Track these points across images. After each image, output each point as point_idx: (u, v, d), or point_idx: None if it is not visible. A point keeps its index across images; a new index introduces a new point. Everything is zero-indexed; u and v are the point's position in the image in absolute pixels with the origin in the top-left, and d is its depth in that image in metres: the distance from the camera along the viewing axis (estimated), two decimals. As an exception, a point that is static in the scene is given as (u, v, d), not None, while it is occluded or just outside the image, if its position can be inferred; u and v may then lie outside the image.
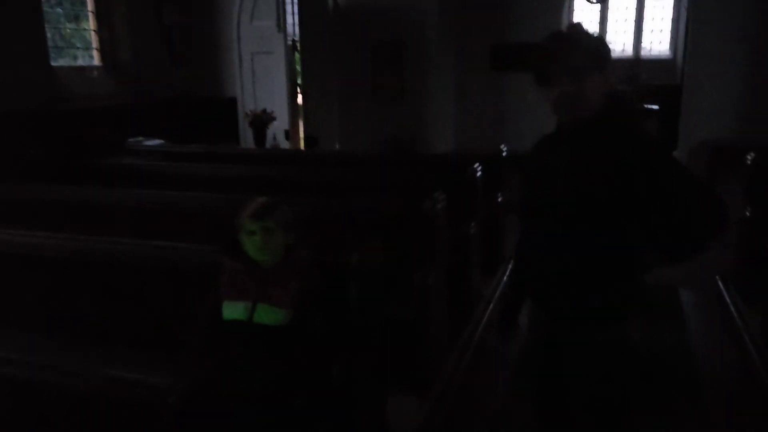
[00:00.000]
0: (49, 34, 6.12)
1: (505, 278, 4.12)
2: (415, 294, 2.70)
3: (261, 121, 5.85)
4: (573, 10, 10.38)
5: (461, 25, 7.96)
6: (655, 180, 1.67)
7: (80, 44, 6.72)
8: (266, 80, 7.50)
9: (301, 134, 7.53)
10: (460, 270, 3.40)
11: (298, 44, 7.41)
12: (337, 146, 7.51)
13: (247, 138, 6.93)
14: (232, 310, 2.02)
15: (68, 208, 3.50)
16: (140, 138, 5.85)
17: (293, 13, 7.32)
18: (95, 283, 2.64)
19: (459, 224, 3.52)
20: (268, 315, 1.99)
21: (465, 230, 3.55)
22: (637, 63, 9.08)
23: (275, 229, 2.03)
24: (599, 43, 1.79)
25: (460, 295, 3.35)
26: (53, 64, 6.15)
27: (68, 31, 6.60)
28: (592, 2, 8.64)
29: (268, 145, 6.30)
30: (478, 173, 3.79)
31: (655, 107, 6.78)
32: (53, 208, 3.53)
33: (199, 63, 7.55)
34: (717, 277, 4.43)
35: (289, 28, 7.35)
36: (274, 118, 6.09)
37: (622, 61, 9.38)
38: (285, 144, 7.20)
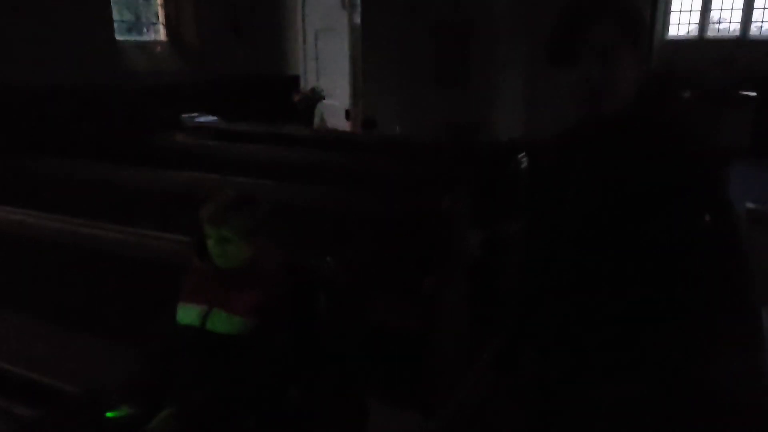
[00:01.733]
0: (116, 8, 6.21)
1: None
2: (422, 302, 2.39)
3: (309, 99, 5.64)
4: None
5: (535, 4, 7.39)
6: (686, 231, 1.27)
7: (147, 19, 6.78)
8: (329, 59, 7.31)
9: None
10: (491, 275, 3.05)
11: (362, 22, 7.13)
12: (397, 129, 7.21)
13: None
14: (186, 314, 1.82)
15: (84, 187, 3.44)
16: (194, 114, 5.82)
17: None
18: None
19: (494, 223, 3.16)
20: (222, 322, 1.77)
21: (500, 230, 3.19)
22: (739, 43, 8.11)
23: (232, 239, 1.80)
24: (635, 11, 1.38)
25: (487, 304, 3.00)
26: (118, 38, 6.22)
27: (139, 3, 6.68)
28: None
29: (315, 125, 6.09)
30: (522, 165, 3.39)
31: (752, 94, 5.96)
32: (71, 187, 3.49)
33: (263, 40, 7.45)
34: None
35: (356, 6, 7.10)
36: (323, 97, 5.86)
37: (724, 43, 8.43)
38: (343, 125, 6.99)
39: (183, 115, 5.78)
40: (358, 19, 7.04)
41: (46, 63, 5.09)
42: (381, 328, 2.17)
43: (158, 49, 6.72)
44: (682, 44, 9.07)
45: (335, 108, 7.22)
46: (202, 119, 5.79)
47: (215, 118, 5.83)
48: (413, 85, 7.18)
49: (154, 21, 6.84)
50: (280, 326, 1.79)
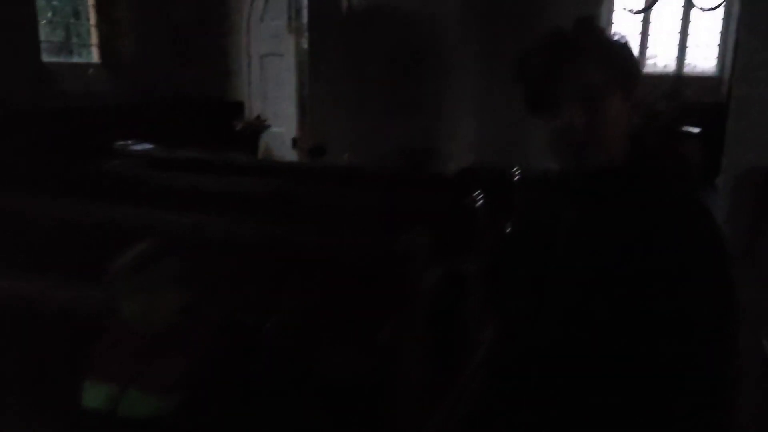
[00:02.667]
0: (44, 29, 5.80)
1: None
2: (378, 353, 2.14)
3: (253, 128, 5.36)
4: (611, 22, 9.70)
5: (485, 33, 7.38)
6: (684, 286, 1.09)
7: (78, 40, 6.37)
8: (276, 84, 7.06)
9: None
10: (450, 317, 2.84)
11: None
12: (347, 157, 7.00)
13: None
14: (92, 395, 1.51)
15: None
16: (129, 142, 5.44)
17: (306, 14, 6.86)
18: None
19: (451, 262, 2.95)
20: (137, 404, 1.47)
21: (458, 270, 2.99)
22: (679, 79, 8.35)
23: (149, 294, 1.52)
24: (623, 49, 1.22)
25: (449, 347, 2.78)
26: (46, 59, 5.81)
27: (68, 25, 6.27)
28: (632, 12, 7.96)
29: (260, 154, 5.81)
30: (478, 203, 3.22)
31: (696, 130, 6.06)
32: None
33: (206, 63, 7.14)
34: (764, 342, 3.74)
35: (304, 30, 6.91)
36: (268, 126, 5.60)
37: (663, 77, 8.67)
38: (290, 154, 6.72)
39: (117, 143, 5.39)
40: (305, 44, 6.84)
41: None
42: (335, 386, 1.90)
43: (90, 71, 6.31)
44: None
45: (282, 136, 6.95)
46: (137, 147, 5.41)
47: (152, 146, 5.46)
48: (363, 111, 7.00)
49: (87, 42, 6.43)
50: (210, 403, 1.51)
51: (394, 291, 2.27)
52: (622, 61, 1.19)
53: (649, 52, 9.75)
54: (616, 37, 1.21)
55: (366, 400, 2.12)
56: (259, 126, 5.53)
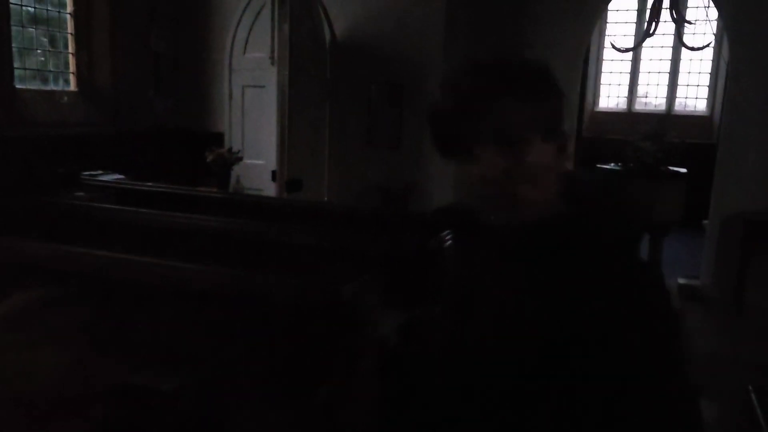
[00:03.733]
0: (18, 55, 5.70)
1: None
2: (313, 413, 1.93)
3: (224, 160, 5.22)
4: (602, 58, 9.68)
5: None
6: (635, 353, 0.93)
7: (54, 68, 6.26)
8: (256, 116, 6.94)
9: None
10: (405, 373, 2.62)
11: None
12: (325, 191, 6.86)
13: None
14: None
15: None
16: (98, 172, 5.27)
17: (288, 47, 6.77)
18: None
19: (410, 309, 2.76)
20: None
21: (420, 317, 2.79)
22: (666, 118, 8.28)
23: (40, 344, 1.33)
24: (546, 80, 1.05)
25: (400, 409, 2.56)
26: (19, 86, 5.68)
27: (43, 52, 6.17)
28: (620, 50, 7.92)
29: (231, 188, 5.65)
30: (446, 243, 3.04)
31: (683, 170, 5.93)
32: None
33: (186, 94, 7.04)
34: (750, 387, 3.54)
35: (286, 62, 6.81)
36: (240, 158, 5.46)
37: (651, 116, 8.60)
38: (269, 187, 6.57)
39: (84, 173, 5.21)
40: (286, 76, 6.74)
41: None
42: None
43: (65, 99, 6.18)
44: (613, 116, 9.22)
45: (261, 168, 6.81)
46: (105, 177, 5.24)
47: (121, 176, 5.30)
48: (342, 145, 6.88)
49: (64, 70, 6.33)
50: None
51: (337, 343, 2.07)
52: (548, 94, 1.02)
53: (639, 90, 9.72)
54: (540, 65, 1.04)
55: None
56: (230, 158, 5.38)
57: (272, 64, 6.80)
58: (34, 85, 6.02)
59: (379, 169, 6.53)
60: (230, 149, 5.49)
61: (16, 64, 5.60)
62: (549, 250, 1.02)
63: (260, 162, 6.78)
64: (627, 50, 8.12)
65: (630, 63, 9.52)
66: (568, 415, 0.99)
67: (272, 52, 6.74)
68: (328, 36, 6.82)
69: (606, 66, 9.80)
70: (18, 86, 5.65)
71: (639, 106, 9.78)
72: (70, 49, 6.28)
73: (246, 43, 6.94)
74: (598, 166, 6.03)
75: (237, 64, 7.05)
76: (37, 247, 2.80)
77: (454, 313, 1.21)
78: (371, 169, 6.59)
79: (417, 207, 6.03)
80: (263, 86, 6.91)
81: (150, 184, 5.18)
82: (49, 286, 1.42)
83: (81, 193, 4.96)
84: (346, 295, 2.19)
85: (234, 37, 6.98)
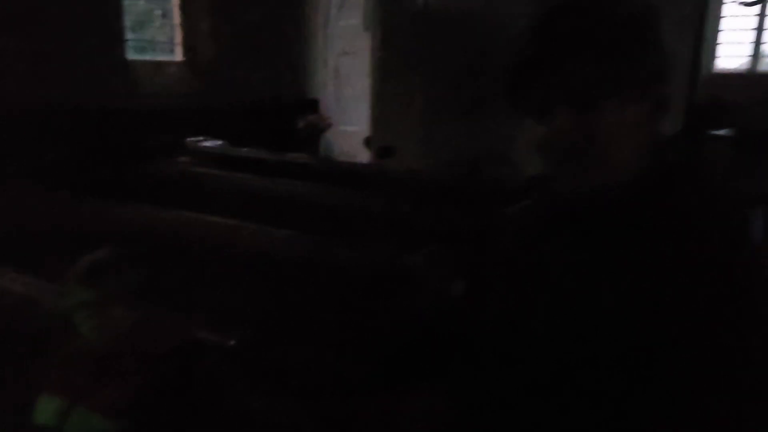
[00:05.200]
0: (129, 27, 6.05)
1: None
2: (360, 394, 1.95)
3: (316, 127, 5.30)
4: (720, 15, 8.83)
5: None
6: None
7: (162, 39, 6.60)
8: (350, 83, 7.00)
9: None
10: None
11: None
12: (417, 159, 6.81)
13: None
14: (42, 410, 1.44)
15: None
16: (199, 138, 5.55)
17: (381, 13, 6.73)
18: None
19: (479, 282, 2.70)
20: (84, 424, 1.39)
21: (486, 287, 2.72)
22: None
23: (113, 301, 1.43)
24: (645, 32, 0.89)
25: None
26: (130, 57, 6.05)
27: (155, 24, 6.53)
28: (745, 4, 7.17)
29: (322, 154, 5.74)
30: (521, 214, 2.93)
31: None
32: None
33: (283, 63, 7.19)
34: None
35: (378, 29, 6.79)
36: (330, 125, 5.52)
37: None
38: (361, 154, 6.63)
39: (188, 139, 5.52)
40: (379, 42, 6.72)
41: (50, 81, 4.92)
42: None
43: (172, 69, 6.52)
44: (733, 78, 8.43)
45: (355, 135, 6.88)
46: (207, 143, 5.51)
47: (221, 142, 5.55)
48: (434, 113, 6.78)
49: (171, 41, 6.66)
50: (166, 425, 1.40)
51: (401, 313, 2.07)
52: (638, 47, 0.87)
53: (765, 50, 8.80)
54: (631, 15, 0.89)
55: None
56: (321, 124, 5.45)
57: (365, 30, 6.80)
58: (144, 57, 6.38)
59: (471, 138, 6.38)
60: (320, 116, 5.57)
61: (127, 36, 5.95)
62: (632, 225, 0.91)
63: (352, 128, 6.86)
64: (753, 4, 7.33)
65: (755, 18, 8.61)
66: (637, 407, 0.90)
67: (365, 18, 6.74)
68: (420, 2, 6.70)
69: (727, 23, 8.93)
70: (129, 58, 6.01)
71: (765, 66, 8.86)
72: (176, 20, 6.58)
73: (340, 11, 6.97)
74: (710, 132, 5.53)
75: (332, 31, 7.12)
76: (133, 210, 3.02)
77: (518, 287, 1.14)
78: (463, 137, 6.46)
79: (507, 177, 5.85)
80: (356, 53, 6.94)
81: (247, 150, 5.40)
82: (126, 245, 1.51)
83: (184, 159, 5.27)
84: (413, 265, 2.18)
85: (329, 5, 7.04)
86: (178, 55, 6.69)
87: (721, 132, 5.47)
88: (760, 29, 8.71)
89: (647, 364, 0.85)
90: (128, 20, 5.99)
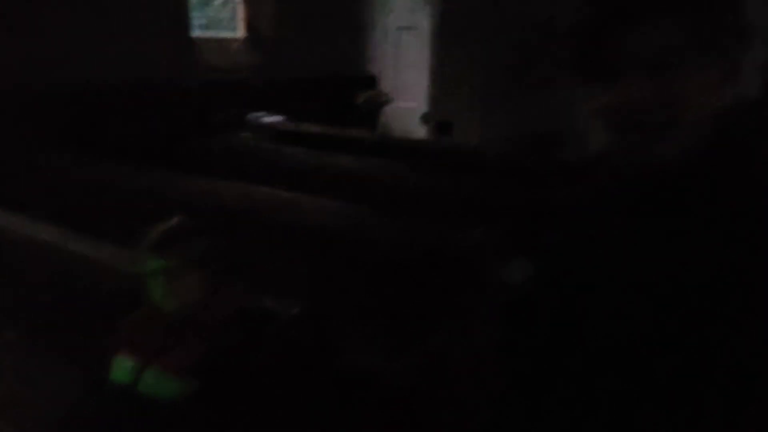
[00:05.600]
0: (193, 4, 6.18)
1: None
2: (423, 359, 1.97)
3: (374, 102, 5.30)
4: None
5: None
6: None
7: (226, 16, 6.72)
8: (409, 58, 6.95)
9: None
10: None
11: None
12: (476, 135, 6.72)
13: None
14: (118, 369, 1.53)
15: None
16: (260, 114, 5.66)
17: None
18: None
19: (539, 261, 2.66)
20: (154, 383, 1.47)
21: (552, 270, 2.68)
22: None
23: (183, 270, 1.49)
24: None
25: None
26: (194, 34, 6.18)
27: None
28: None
29: (380, 130, 5.75)
30: (584, 192, 2.86)
31: None
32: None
33: (343, 39, 7.19)
34: None
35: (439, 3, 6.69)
36: (389, 101, 5.50)
37: None
38: (419, 130, 6.61)
39: (249, 115, 5.63)
40: (440, 17, 6.63)
41: (119, 59, 5.10)
42: (366, 389, 1.78)
43: (234, 46, 6.64)
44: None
45: (412, 111, 6.85)
46: (267, 119, 5.62)
47: (281, 117, 5.64)
48: (495, 87, 6.65)
49: (234, 18, 6.77)
50: (225, 393, 1.46)
51: (456, 293, 2.07)
52: (719, 10, 0.82)
53: None
54: None
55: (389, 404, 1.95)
56: (380, 100, 5.45)
57: (425, 4, 6.72)
58: (208, 34, 6.52)
59: (533, 113, 6.24)
60: (379, 91, 5.56)
61: (191, 15, 6.08)
62: (704, 198, 0.87)
63: (411, 104, 6.83)
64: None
65: None
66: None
67: (426, -9, 6.65)
68: (483, -27, 6.55)
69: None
70: (194, 35, 6.15)
71: None
72: (239, -3, 6.68)
73: (401, -16, 6.91)
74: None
75: (391, 5, 7.06)
76: (199, 182, 3.12)
77: (586, 266, 1.11)
78: (524, 112, 6.33)
79: (571, 152, 5.71)
80: (416, 28, 6.87)
81: (306, 125, 5.48)
82: (194, 215, 1.58)
83: (246, 134, 5.40)
84: (471, 243, 2.18)
85: (389, -23, 6.97)
86: (241, 32, 6.81)
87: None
88: None
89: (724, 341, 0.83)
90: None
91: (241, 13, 6.75)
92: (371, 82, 7.12)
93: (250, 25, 6.78)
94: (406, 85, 6.93)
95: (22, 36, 4.60)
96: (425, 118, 6.73)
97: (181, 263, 1.49)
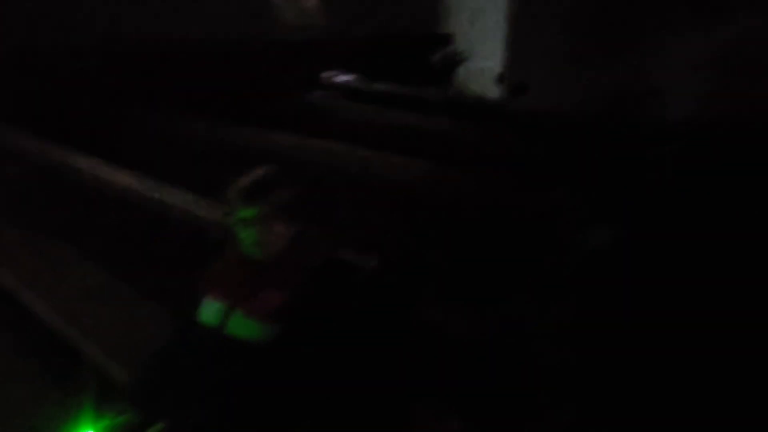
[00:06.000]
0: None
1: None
2: (505, 317, 1.96)
3: (449, 61, 5.20)
4: None
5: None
6: None
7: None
8: (485, 17, 6.76)
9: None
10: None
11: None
12: (554, 97, 6.50)
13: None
14: (206, 311, 1.60)
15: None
16: (334, 72, 5.68)
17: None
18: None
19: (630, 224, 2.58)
20: (240, 325, 1.53)
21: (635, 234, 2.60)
22: None
23: (270, 219, 1.54)
24: None
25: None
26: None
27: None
28: None
29: (454, 90, 5.64)
30: (668, 155, 2.73)
31: None
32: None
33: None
34: None
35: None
36: (465, 59, 5.39)
37: None
38: (493, 90, 6.45)
39: (323, 73, 5.66)
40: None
41: (201, 20, 5.21)
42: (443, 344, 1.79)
43: (311, 4, 6.64)
44: None
45: (487, 70, 6.69)
46: (341, 77, 5.63)
47: (354, 76, 5.64)
48: (574, 47, 6.38)
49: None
50: (307, 337, 1.52)
51: (538, 251, 2.04)
52: None
53: None
54: None
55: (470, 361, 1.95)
56: (455, 59, 5.35)
57: (504, -41, 6.47)
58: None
59: (613, 75, 5.96)
60: (455, 49, 5.45)
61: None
62: None
63: (486, 64, 6.66)
64: None
65: None
66: None
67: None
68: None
69: None
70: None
71: None
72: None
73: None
74: None
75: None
76: (280, 138, 3.19)
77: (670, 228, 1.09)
78: (606, 72, 6.05)
79: (654, 115, 5.44)
80: (494, -16, 6.65)
81: (379, 84, 5.45)
82: (277, 166, 1.61)
83: (320, 92, 5.44)
84: (552, 202, 2.13)
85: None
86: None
87: None
88: None
89: None
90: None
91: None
92: (447, 40, 6.98)
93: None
94: (483, 45, 6.76)
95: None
96: (501, 79, 6.56)
97: (269, 212, 1.53)
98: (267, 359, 1.49)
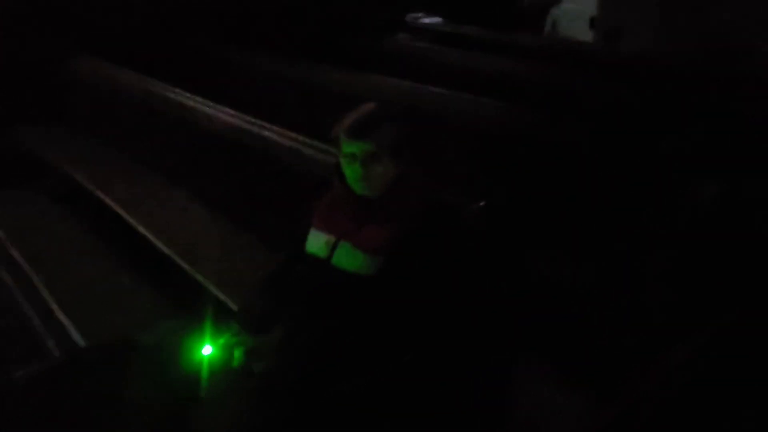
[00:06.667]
0: None
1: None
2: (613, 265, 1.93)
3: (541, 4, 4.99)
4: None
5: None
6: None
7: None
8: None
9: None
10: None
11: None
12: (651, 43, 6.13)
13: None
14: (314, 243, 1.66)
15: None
16: (419, 15, 5.56)
17: None
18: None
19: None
20: (347, 257, 1.58)
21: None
22: None
23: (377, 155, 1.56)
24: None
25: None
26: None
27: None
28: None
29: (546, 33, 5.42)
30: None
31: None
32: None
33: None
34: None
35: None
36: (557, 2, 5.15)
37: None
38: (583, 33, 6.17)
39: (408, 15, 5.56)
40: None
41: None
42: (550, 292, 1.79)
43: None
44: None
45: (579, 13, 6.38)
46: (426, 20, 5.52)
47: (440, 19, 5.51)
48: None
49: None
50: (411, 273, 1.54)
51: (649, 199, 1.97)
52: None
53: None
54: None
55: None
56: (547, 1, 5.12)
57: None
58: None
59: (715, 21, 5.53)
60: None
61: None
62: None
63: (578, 7, 6.35)
64: None
65: None
66: None
67: None
68: None
69: None
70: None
71: None
72: None
73: None
74: None
75: None
76: (363, 78, 3.19)
77: None
78: (705, 20, 5.62)
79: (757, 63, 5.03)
80: None
81: (466, 27, 5.31)
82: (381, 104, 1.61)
83: (404, 35, 5.36)
84: (663, 150, 2.05)
85: None
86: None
87: None
88: None
89: None
90: None
91: None
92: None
93: None
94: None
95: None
96: (594, 23, 6.24)
97: (375, 150, 1.55)
98: (373, 289, 1.54)
